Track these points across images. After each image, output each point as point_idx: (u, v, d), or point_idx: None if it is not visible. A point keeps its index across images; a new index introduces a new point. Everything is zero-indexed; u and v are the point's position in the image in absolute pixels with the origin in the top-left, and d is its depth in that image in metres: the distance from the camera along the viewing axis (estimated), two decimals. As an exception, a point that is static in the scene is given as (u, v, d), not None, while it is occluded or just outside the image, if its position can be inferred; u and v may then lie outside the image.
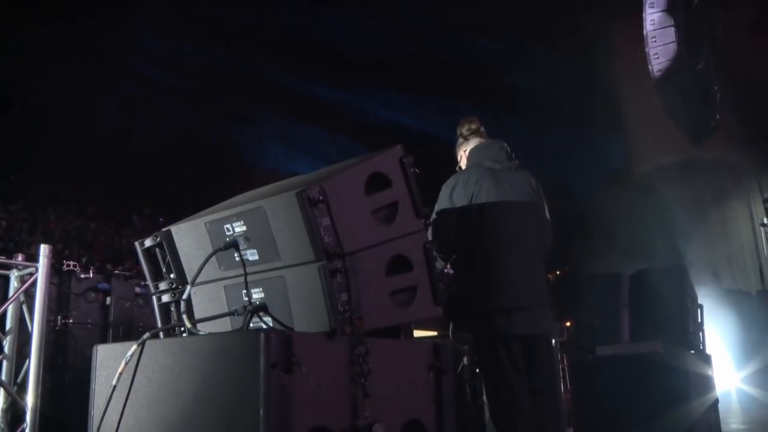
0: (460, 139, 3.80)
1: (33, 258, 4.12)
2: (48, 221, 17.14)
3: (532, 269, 3.48)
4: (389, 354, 2.28)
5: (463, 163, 3.78)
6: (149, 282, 2.79)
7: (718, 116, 10.96)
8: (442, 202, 3.51)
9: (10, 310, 4.09)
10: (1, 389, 4.02)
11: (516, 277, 3.40)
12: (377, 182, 2.39)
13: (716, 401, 4.96)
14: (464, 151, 3.74)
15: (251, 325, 2.28)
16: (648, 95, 10.86)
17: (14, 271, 4.12)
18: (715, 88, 10.97)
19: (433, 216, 3.44)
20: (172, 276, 2.66)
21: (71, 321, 4.70)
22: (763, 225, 10.80)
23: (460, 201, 3.46)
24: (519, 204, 3.52)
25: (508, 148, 3.69)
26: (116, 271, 5.06)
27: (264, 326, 2.25)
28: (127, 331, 4.85)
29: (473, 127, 3.75)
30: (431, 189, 3.25)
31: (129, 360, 2.25)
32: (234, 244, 2.36)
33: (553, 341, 4.77)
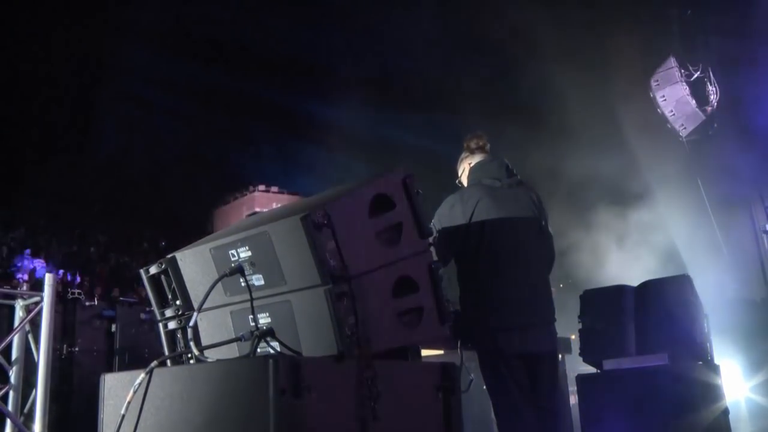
0: (466, 153, 3.81)
1: (37, 286, 4.13)
2: (49, 247, 17.15)
3: (534, 286, 3.48)
4: (397, 376, 2.28)
5: (464, 177, 3.79)
6: (155, 309, 2.79)
7: (716, 124, 10.99)
8: (440, 222, 3.51)
9: (16, 339, 4.09)
10: (8, 420, 4.00)
11: (517, 295, 3.40)
12: (381, 204, 2.39)
13: (726, 410, 4.93)
14: (468, 164, 3.75)
15: (259, 350, 2.28)
16: (646, 104, 10.91)
17: (19, 300, 4.13)
18: (712, 97, 11.01)
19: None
20: (177, 302, 2.66)
21: (77, 349, 4.70)
22: (766, 232, 10.78)
23: (458, 220, 3.46)
24: (519, 220, 3.52)
25: (509, 164, 3.70)
26: (121, 298, 5.06)
27: (271, 351, 2.25)
28: (133, 358, 4.84)
29: (480, 143, 3.77)
30: (430, 205, 3.26)
31: (137, 388, 2.25)
32: (239, 270, 2.36)
33: (560, 356, 4.75)
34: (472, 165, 3.71)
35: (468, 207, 3.47)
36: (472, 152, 3.78)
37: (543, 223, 3.65)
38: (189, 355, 2.47)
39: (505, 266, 3.42)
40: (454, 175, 3.91)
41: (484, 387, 3.61)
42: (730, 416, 4.94)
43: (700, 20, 10.90)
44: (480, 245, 3.43)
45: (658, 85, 10.47)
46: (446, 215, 3.51)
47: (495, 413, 3.51)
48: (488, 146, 3.78)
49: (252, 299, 2.31)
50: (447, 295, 2.53)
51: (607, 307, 4.90)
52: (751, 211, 11.38)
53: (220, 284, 2.42)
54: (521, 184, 3.66)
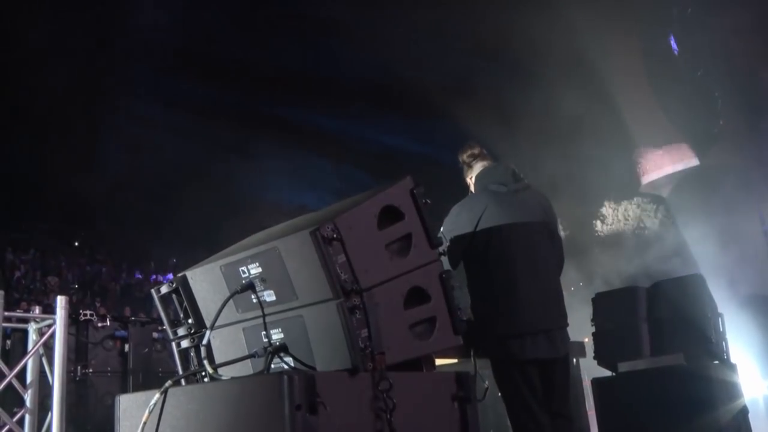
0: (465, 167, 3.81)
1: (49, 308, 4.14)
2: (60, 267, 17.22)
3: (545, 291, 3.46)
4: (413, 387, 2.26)
5: (472, 186, 3.78)
6: (167, 328, 2.79)
7: (721, 122, 10.97)
8: (447, 230, 3.51)
9: (30, 363, 4.10)
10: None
11: (528, 301, 3.38)
12: (389, 215, 2.39)
13: (745, 409, 4.89)
14: (470, 178, 3.75)
15: (272, 366, 2.28)
16: (652, 106, 10.90)
17: (32, 324, 4.14)
18: (716, 95, 10.99)
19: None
20: (190, 321, 2.66)
21: (90, 370, 4.70)
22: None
23: (465, 228, 3.45)
24: (528, 225, 3.51)
25: (515, 169, 3.69)
26: (133, 318, 5.07)
27: (285, 367, 2.24)
28: (147, 377, 4.85)
29: (475, 152, 3.76)
30: (437, 212, 3.26)
31: (152, 409, 2.25)
32: (250, 286, 2.36)
33: (574, 360, 4.73)
34: (477, 173, 3.70)
35: (474, 214, 3.46)
36: (469, 165, 3.77)
37: (552, 227, 3.64)
38: (203, 374, 2.47)
39: (515, 272, 3.41)
40: (456, 185, 3.90)
41: (499, 394, 3.59)
42: (750, 415, 4.90)
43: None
44: (488, 252, 3.42)
45: None
46: (453, 223, 3.51)
47: (510, 420, 3.50)
48: (485, 152, 3.77)
49: (264, 315, 2.31)
50: (459, 303, 2.52)
51: (620, 309, 4.87)
52: (760, 208, 11.34)
53: (231, 301, 2.42)
54: (528, 189, 3.65)
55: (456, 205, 3.59)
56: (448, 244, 3.43)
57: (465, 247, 3.44)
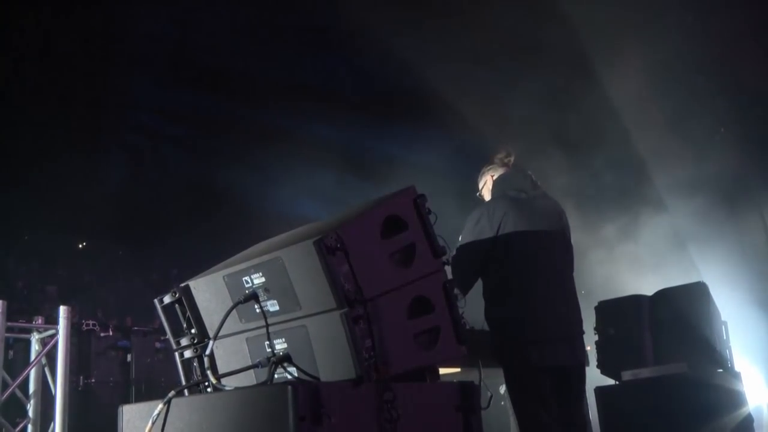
0: (491, 165, 3.82)
1: (52, 319, 4.14)
2: (60, 277, 17.24)
3: (564, 299, 3.47)
4: (417, 397, 2.26)
5: (486, 190, 3.79)
6: (170, 338, 2.79)
7: (722, 129, 10.97)
8: (467, 235, 3.51)
9: (33, 373, 4.10)
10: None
11: (548, 308, 3.38)
12: (393, 225, 2.39)
13: (750, 417, 4.87)
14: (491, 176, 3.75)
15: (276, 376, 2.27)
16: (651, 111, 10.90)
17: (35, 333, 4.14)
18: (717, 100, 11.00)
19: (456, 250, 3.43)
20: (192, 331, 2.66)
21: (93, 380, 4.70)
22: (778, 235, 10.72)
23: (485, 233, 3.45)
24: (547, 232, 3.52)
25: (533, 176, 3.71)
26: (135, 328, 5.07)
27: (289, 377, 2.24)
28: (149, 387, 4.84)
29: (509, 159, 3.79)
30: (440, 222, 3.25)
31: (156, 419, 2.24)
32: (254, 296, 2.36)
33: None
34: (495, 178, 3.71)
35: (495, 220, 3.46)
36: (496, 166, 3.78)
37: (567, 235, 3.66)
38: (206, 384, 2.46)
39: (536, 279, 3.41)
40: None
41: (502, 403, 3.59)
42: (755, 423, 4.88)
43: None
44: (508, 258, 3.42)
45: None
46: (472, 229, 3.50)
47: (520, 427, 3.48)
48: (513, 161, 3.80)
49: (267, 325, 2.30)
50: (463, 312, 2.52)
51: (623, 318, 4.86)
52: (763, 215, 11.33)
53: (234, 311, 2.41)
54: (546, 197, 3.67)
55: (475, 210, 3.59)
56: (458, 249, 3.44)
57: (484, 253, 3.43)
